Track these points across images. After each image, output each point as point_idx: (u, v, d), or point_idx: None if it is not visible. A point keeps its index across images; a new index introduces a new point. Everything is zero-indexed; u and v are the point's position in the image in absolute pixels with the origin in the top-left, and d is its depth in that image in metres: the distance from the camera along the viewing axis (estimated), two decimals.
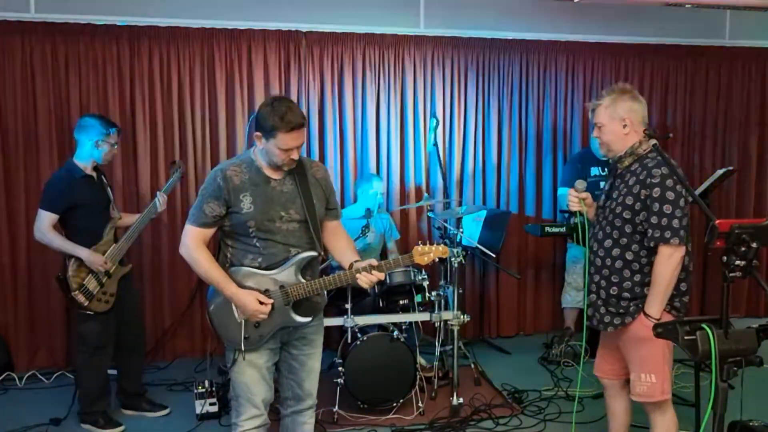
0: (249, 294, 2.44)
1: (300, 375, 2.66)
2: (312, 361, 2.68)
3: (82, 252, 3.42)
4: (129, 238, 3.56)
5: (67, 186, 3.45)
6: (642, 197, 2.48)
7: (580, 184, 2.75)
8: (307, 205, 2.50)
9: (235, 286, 2.45)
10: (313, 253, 2.54)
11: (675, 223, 2.42)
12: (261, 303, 2.44)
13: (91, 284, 3.46)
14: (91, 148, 3.48)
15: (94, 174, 3.56)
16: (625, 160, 2.60)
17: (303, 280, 2.51)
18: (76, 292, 3.43)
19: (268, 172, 2.49)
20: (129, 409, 3.85)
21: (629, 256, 2.56)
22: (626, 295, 2.57)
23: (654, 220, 2.45)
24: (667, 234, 2.43)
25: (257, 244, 2.48)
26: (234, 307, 2.50)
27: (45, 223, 3.44)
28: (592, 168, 4.67)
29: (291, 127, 2.35)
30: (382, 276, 2.50)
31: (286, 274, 2.50)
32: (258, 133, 2.43)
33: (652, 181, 2.45)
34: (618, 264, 2.58)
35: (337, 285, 2.55)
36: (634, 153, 2.58)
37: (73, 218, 3.48)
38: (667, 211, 2.42)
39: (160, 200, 3.61)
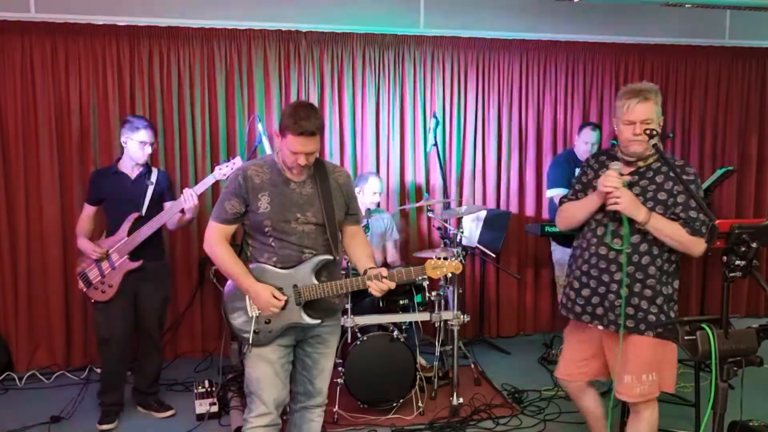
0: (265, 287, 2.50)
1: (312, 372, 2.71)
2: (324, 360, 2.72)
3: (79, 241, 3.65)
4: (141, 234, 3.56)
5: (96, 180, 3.71)
6: (675, 192, 2.53)
7: (616, 165, 2.58)
8: (325, 209, 2.55)
9: (253, 279, 2.52)
10: (329, 257, 2.57)
11: (703, 216, 2.53)
12: (275, 298, 2.50)
13: (92, 273, 3.60)
14: (122, 147, 3.65)
15: (135, 171, 3.65)
16: (650, 158, 2.59)
17: (316, 282, 2.55)
18: (78, 277, 3.64)
19: (289, 174, 2.54)
20: (141, 406, 3.91)
21: (655, 251, 2.58)
22: (648, 293, 2.57)
23: (693, 214, 2.52)
24: (703, 228, 2.51)
25: (273, 244, 2.54)
26: (247, 302, 2.56)
27: (83, 213, 3.73)
28: (576, 169, 4.67)
29: (300, 131, 2.39)
30: (392, 285, 2.53)
31: (301, 275, 2.55)
32: (276, 131, 2.52)
33: (688, 178, 2.53)
34: (645, 260, 2.58)
35: (349, 290, 2.60)
36: (657, 150, 2.57)
37: (105, 210, 3.71)
38: (698, 206, 2.50)
39: (185, 196, 3.56)
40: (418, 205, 4.79)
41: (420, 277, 2.93)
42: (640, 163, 2.61)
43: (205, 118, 4.75)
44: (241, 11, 4.71)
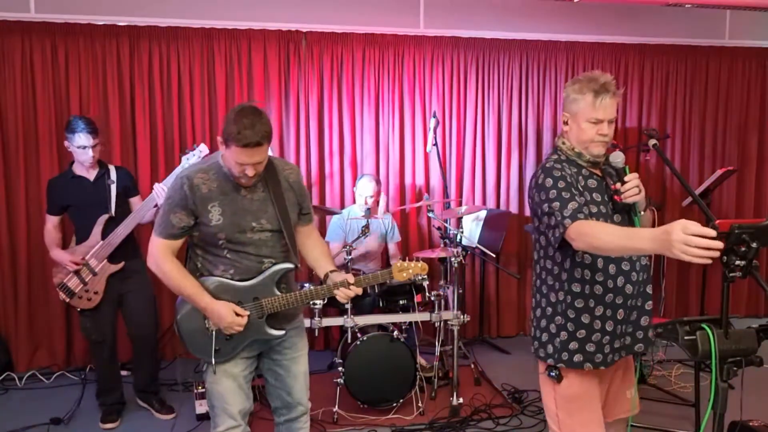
0: (225, 305, 2.32)
1: (287, 381, 2.55)
2: (297, 366, 2.56)
3: (53, 252, 3.57)
4: (118, 235, 3.51)
5: (57, 188, 3.61)
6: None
7: (620, 156, 2.19)
8: (280, 214, 2.38)
9: (209, 296, 2.33)
10: (289, 266, 2.43)
11: None
12: (237, 315, 2.34)
13: (72, 282, 3.53)
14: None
15: (92, 174, 3.57)
16: (601, 158, 2.26)
17: (278, 293, 2.41)
18: (57, 288, 3.57)
19: (237, 180, 2.34)
20: (142, 401, 3.90)
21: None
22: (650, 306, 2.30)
23: None
24: None
25: (228, 256, 2.36)
26: (205, 318, 2.40)
27: (47, 224, 3.65)
28: None
29: (244, 143, 2.17)
30: (359, 291, 2.41)
31: (261, 287, 2.39)
32: (219, 138, 2.28)
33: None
34: (646, 277, 2.29)
35: (314, 299, 2.48)
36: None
37: (71, 218, 3.63)
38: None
39: (156, 191, 3.46)
40: (418, 205, 4.80)
41: (387, 281, 2.77)
42: (600, 164, 2.27)
43: (205, 119, 4.75)
44: (241, 11, 4.72)
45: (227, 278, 2.38)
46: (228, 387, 2.43)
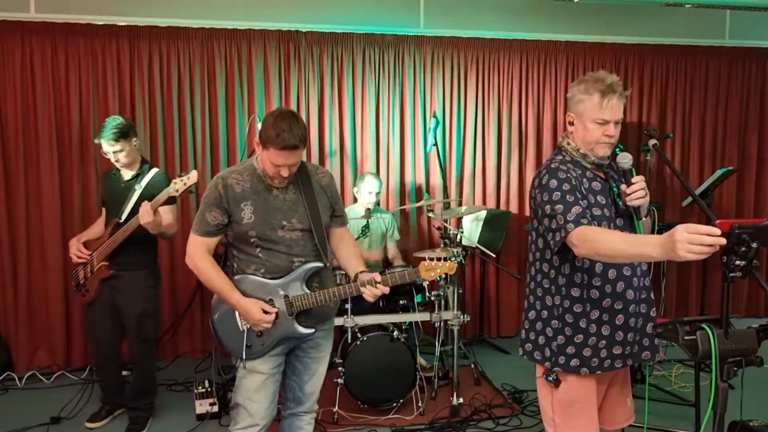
0: (254, 303, 2.42)
1: (303, 377, 2.64)
2: (317, 365, 2.66)
3: (72, 239, 3.62)
4: (114, 241, 3.42)
5: (102, 180, 3.70)
6: None
7: (628, 157, 2.16)
8: (311, 214, 2.47)
9: (240, 294, 2.43)
10: (319, 264, 2.49)
11: None
12: (265, 312, 2.42)
13: (80, 274, 3.57)
14: None
15: (128, 174, 3.48)
16: (606, 160, 2.24)
17: (307, 291, 2.48)
18: (72, 275, 3.63)
19: (270, 181, 2.45)
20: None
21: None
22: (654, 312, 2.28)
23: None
24: None
25: (260, 255, 2.45)
26: (237, 316, 2.48)
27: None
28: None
29: (282, 145, 2.29)
30: (386, 290, 2.45)
31: (291, 285, 2.47)
32: (257, 140, 2.41)
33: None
34: (647, 283, 2.27)
35: (342, 297, 2.52)
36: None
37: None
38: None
39: (140, 211, 3.25)
40: (418, 205, 4.79)
41: (414, 280, 2.73)
42: (603, 166, 2.25)
43: (205, 118, 4.76)
44: (241, 11, 4.72)
45: (259, 276, 2.46)
46: (254, 382, 2.50)
